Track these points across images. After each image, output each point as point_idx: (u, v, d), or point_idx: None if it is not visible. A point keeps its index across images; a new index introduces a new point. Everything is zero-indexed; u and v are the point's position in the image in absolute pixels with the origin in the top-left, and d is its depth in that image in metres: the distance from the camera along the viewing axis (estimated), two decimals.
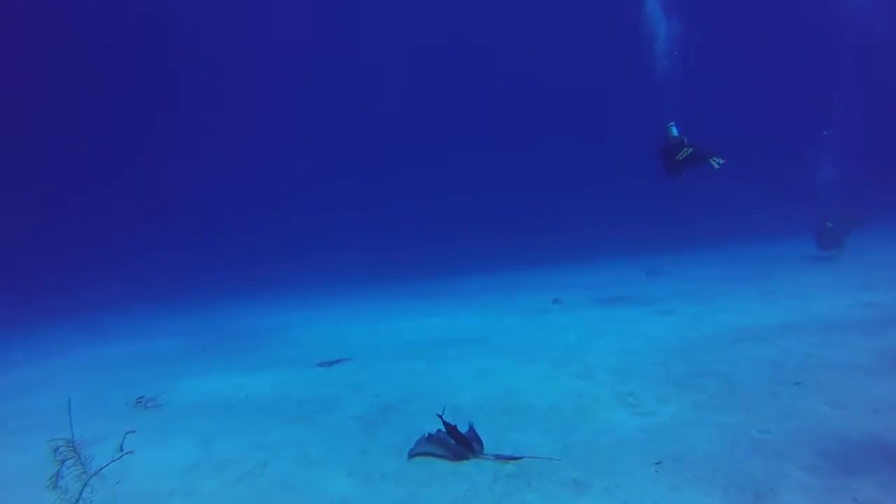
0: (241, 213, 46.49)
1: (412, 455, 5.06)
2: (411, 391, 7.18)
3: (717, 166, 9.21)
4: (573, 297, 14.46)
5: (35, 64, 41.15)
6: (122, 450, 5.10)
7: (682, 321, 9.85)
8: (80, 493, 4.21)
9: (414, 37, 50.78)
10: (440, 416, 5.19)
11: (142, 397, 7.70)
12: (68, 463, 4.20)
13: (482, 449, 4.99)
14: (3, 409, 8.23)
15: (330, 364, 9.18)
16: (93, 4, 39.59)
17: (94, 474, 4.31)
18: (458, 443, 4.99)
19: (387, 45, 51.99)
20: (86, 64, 43.10)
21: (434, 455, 4.98)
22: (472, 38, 50.64)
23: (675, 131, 9.88)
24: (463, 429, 5.17)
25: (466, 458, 4.87)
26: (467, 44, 51.10)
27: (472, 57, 51.88)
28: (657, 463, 4.35)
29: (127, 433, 6.06)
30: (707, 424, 5.09)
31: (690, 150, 9.67)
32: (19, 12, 37.24)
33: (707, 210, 30.13)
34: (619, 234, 28.81)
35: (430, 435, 5.27)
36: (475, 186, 48.10)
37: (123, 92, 45.96)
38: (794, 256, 16.43)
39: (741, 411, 5.34)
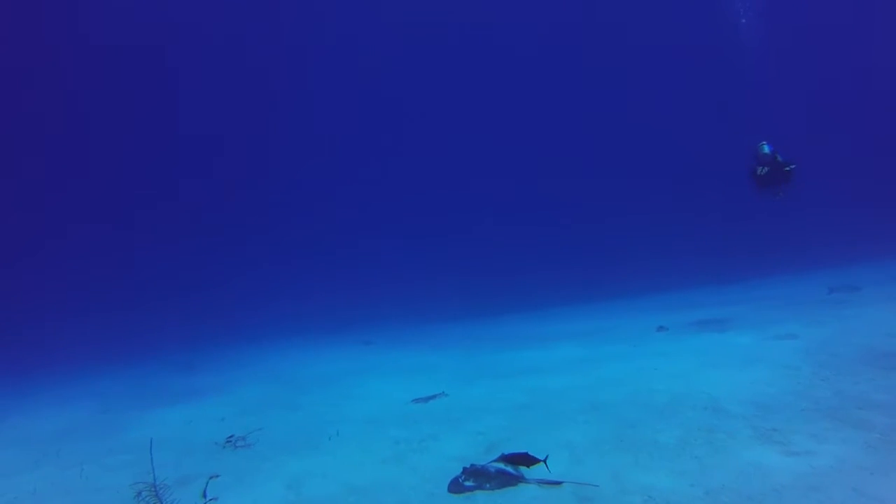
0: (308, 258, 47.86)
1: (453, 492, 4.91)
2: (515, 427, 6.58)
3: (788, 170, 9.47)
4: (677, 324, 13.42)
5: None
6: (205, 496, 4.77)
7: (811, 346, 8.74)
8: None
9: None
10: (544, 462, 4.95)
11: (231, 436, 7.49)
12: None
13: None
14: (101, 447, 8.25)
15: (426, 400, 8.70)
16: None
17: None
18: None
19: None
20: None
21: (482, 489, 4.84)
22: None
23: (766, 149, 9.70)
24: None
25: (515, 484, 4.85)
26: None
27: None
28: None
29: (210, 478, 5.78)
30: None
31: (793, 165, 9.63)
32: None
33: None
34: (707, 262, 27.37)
35: (465, 470, 5.11)
36: (570, 214, 47.60)
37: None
38: None
39: None
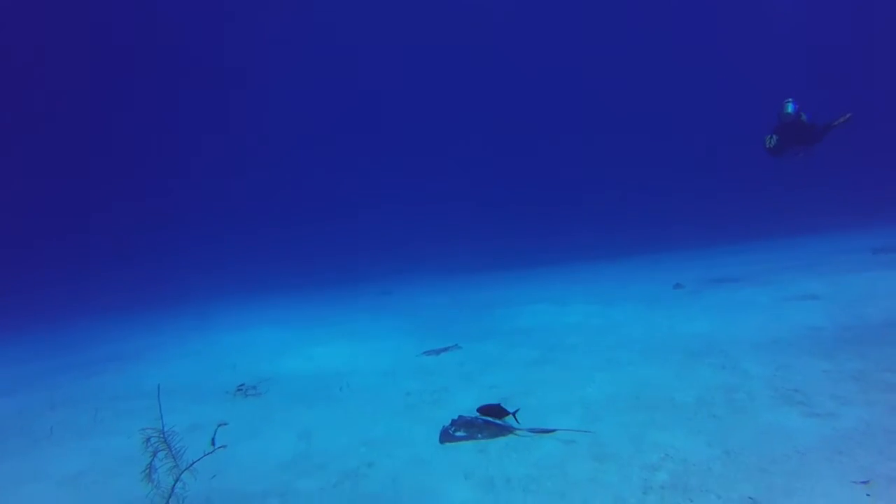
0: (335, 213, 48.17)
1: (444, 442, 4.89)
2: (529, 382, 6.49)
3: (843, 120, 9.10)
4: (694, 282, 13.21)
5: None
6: (213, 444, 4.74)
7: (834, 308, 8.50)
8: (173, 488, 3.86)
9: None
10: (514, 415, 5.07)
11: (242, 385, 7.50)
12: (160, 455, 3.83)
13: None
14: (115, 390, 8.31)
15: (437, 352, 8.65)
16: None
17: (186, 469, 3.93)
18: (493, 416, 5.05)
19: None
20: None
21: (474, 439, 4.83)
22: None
23: (790, 108, 9.34)
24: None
25: (504, 435, 4.83)
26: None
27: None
28: (864, 482, 3.40)
29: (218, 426, 5.78)
30: None
31: (848, 115, 9.23)
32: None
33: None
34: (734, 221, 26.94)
35: (454, 422, 5.16)
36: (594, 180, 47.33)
37: None
38: None
39: None
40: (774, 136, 9.32)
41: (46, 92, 45.74)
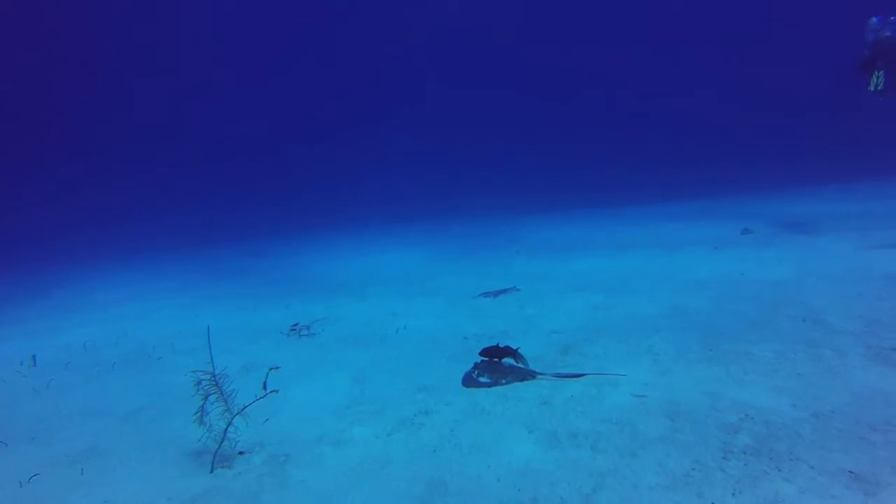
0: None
1: (468, 386, 4.79)
2: (593, 328, 6.20)
3: None
4: (765, 228, 12.47)
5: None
6: (265, 388, 4.66)
7: None
8: (225, 431, 3.77)
9: None
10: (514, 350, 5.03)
11: (296, 324, 7.44)
12: (212, 398, 3.73)
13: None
14: (172, 330, 8.41)
15: (496, 294, 8.41)
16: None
17: (238, 414, 3.83)
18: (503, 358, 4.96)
19: None
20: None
21: (498, 384, 4.73)
22: None
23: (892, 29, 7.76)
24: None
25: (531, 378, 4.76)
26: None
27: None
28: None
29: (270, 369, 5.70)
30: None
31: None
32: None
33: None
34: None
35: (476, 366, 5.06)
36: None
37: None
38: None
39: None
40: (881, 73, 7.85)
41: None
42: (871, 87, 7.98)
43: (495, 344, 5.17)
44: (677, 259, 9.87)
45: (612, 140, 43.32)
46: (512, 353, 4.98)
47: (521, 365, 4.91)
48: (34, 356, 7.23)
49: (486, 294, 8.48)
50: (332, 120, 54.77)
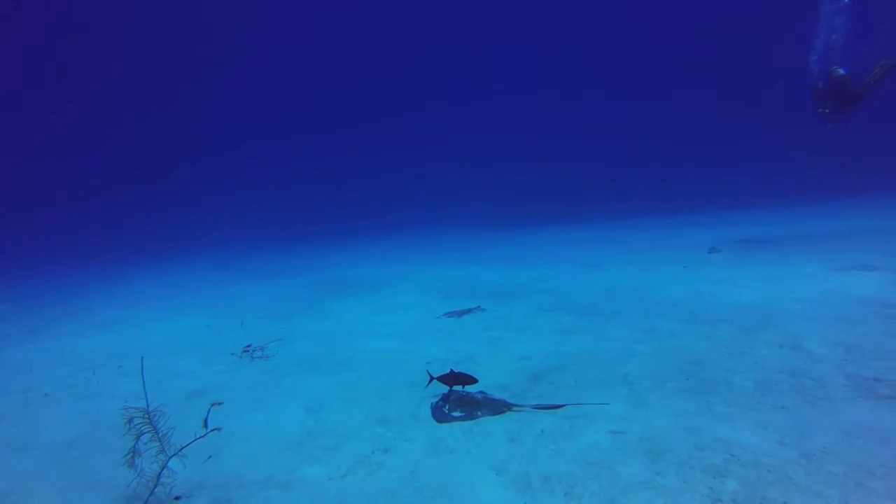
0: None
1: (441, 422, 4.33)
2: (563, 354, 5.89)
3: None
4: (733, 246, 12.43)
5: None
6: (206, 426, 4.21)
7: None
8: (158, 476, 3.33)
9: None
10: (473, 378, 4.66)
11: (249, 346, 6.97)
12: (145, 438, 3.30)
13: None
14: (118, 347, 7.87)
15: (460, 314, 8.06)
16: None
17: (174, 455, 3.41)
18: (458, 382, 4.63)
19: None
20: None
21: (474, 418, 4.31)
22: None
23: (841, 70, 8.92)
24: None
25: (503, 412, 4.37)
26: None
27: None
28: None
29: (212, 405, 5.20)
30: None
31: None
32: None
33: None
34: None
35: (443, 397, 4.68)
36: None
37: None
38: None
39: None
40: (826, 105, 9.02)
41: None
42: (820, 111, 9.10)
43: (449, 370, 4.80)
44: (648, 278, 9.69)
45: (581, 158, 43.79)
46: (472, 380, 4.62)
47: (497, 398, 4.56)
48: None
49: (450, 314, 8.12)
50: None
